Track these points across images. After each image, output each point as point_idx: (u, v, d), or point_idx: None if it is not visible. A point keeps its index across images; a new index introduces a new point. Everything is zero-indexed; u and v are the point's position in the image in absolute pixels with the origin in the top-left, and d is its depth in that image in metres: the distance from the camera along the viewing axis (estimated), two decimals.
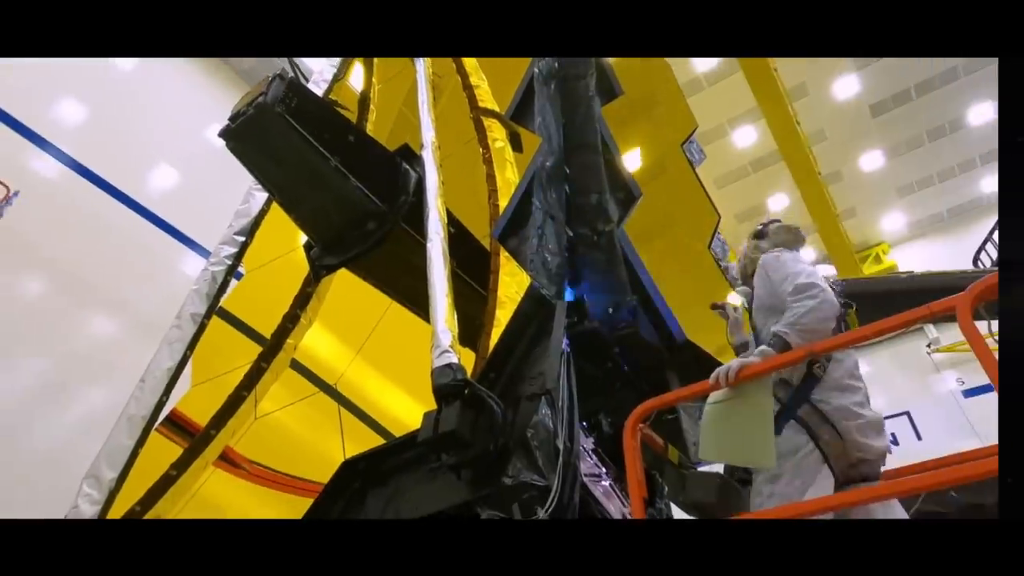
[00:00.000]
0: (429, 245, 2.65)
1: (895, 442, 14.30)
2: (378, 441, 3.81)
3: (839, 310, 2.33)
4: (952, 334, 14.12)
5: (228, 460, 3.87)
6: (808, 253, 17.08)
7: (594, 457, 3.19)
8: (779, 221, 3.04)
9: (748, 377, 2.10)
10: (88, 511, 3.15)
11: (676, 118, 5.48)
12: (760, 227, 3.01)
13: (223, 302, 4.01)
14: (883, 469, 2.25)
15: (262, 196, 4.21)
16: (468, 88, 4.12)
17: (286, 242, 4.12)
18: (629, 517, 2.63)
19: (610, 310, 3.97)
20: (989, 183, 15.23)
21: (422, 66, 3.89)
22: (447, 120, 3.84)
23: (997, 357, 1.57)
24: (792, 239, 2.88)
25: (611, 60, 5.39)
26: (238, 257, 4.06)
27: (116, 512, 3.27)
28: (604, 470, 3.14)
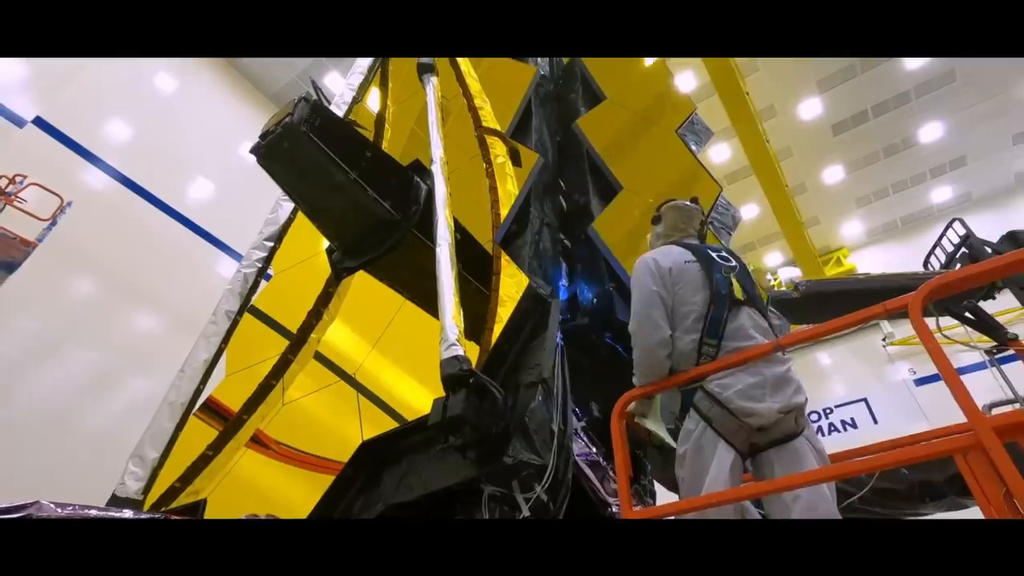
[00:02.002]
0: (438, 249, 2.64)
1: (854, 425, 14.25)
2: (392, 425, 3.80)
3: (660, 342, 2.12)
4: (905, 329, 14.21)
5: (259, 442, 3.87)
6: (774, 256, 17.07)
7: (585, 438, 3.19)
8: (673, 200, 2.65)
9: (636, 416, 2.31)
10: (133, 487, 3.16)
11: (674, 106, 5.33)
12: (656, 211, 2.66)
13: (254, 300, 4.01)
14: (801, 425, 2.01)
15: (288, 206, 4.21)
16: (473, 110, 4.12)
17: (310, 247, 4.12)
18: (616, 493, 2.63)
19: (594, 300, 3.96)
20: (938, 194, 15.23)
21: (432, 89, 3.88)
22: (454, 138, 3.83)
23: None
24: (682, 219, 2.54)
25: (609, 59, 5.27)
26: (267, 260, 4.07)
27: (158, 488, 3.27)
28: (594, 449, 3.14)
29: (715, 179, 4.88)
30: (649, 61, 5.54)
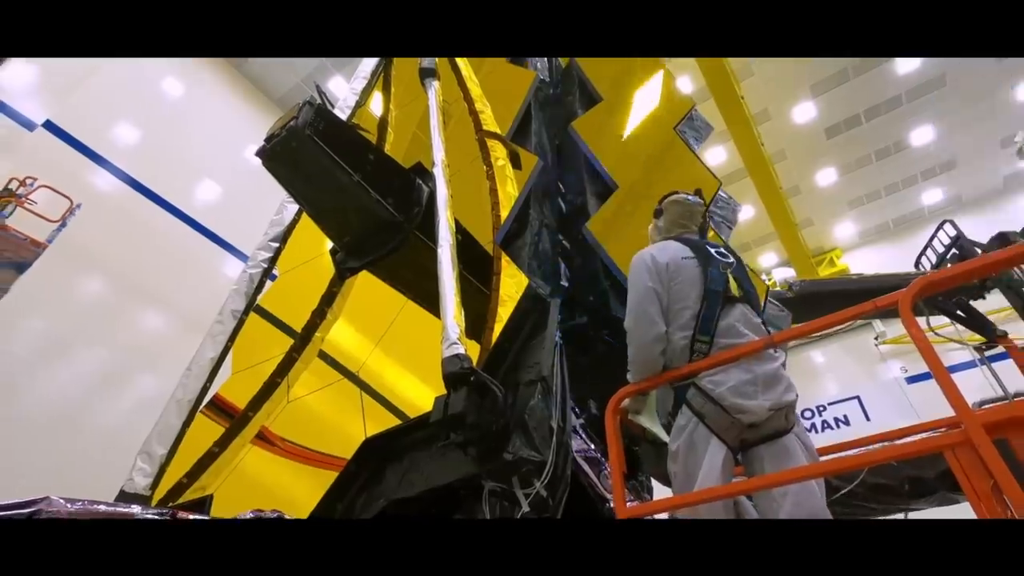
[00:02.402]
0: (439, 250, 2.64)
1: (847, 423, 14.26)
2: (395, 422, 3.80)
3: (655, 338, 2.10)
4: (897, 328, 14.20)
5: (264, 438, 3.87)
6: (768, 256, 17.07)
7: (584, 435, 3.19)
8: (675, 194, 2.58)
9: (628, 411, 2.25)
10: (141, 483, 3.15)
11: (670, 104, 5.27)
12: (658, 204, 2.60)
13: (260, 300, 4.01)
14: (792, 422, 2.01)
15: (293, 207, 4.20)
16: (474, 113, 4.12)
17: (314, 247, 4.12)
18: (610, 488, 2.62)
19: (591, 298, 3.95)
20: (929, 196, 15.24)
21: (433, 93, 3.88)
22: (455, 141, 3.83)
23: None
24: (684, 214, 2.50)
25: (606, 59, 5.24)
26: (272, 261, 4.07)
27: (165, 484, 3.27)
28: (592, 446, 3.15)
29: (713, 174, 4.85)
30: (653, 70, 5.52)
